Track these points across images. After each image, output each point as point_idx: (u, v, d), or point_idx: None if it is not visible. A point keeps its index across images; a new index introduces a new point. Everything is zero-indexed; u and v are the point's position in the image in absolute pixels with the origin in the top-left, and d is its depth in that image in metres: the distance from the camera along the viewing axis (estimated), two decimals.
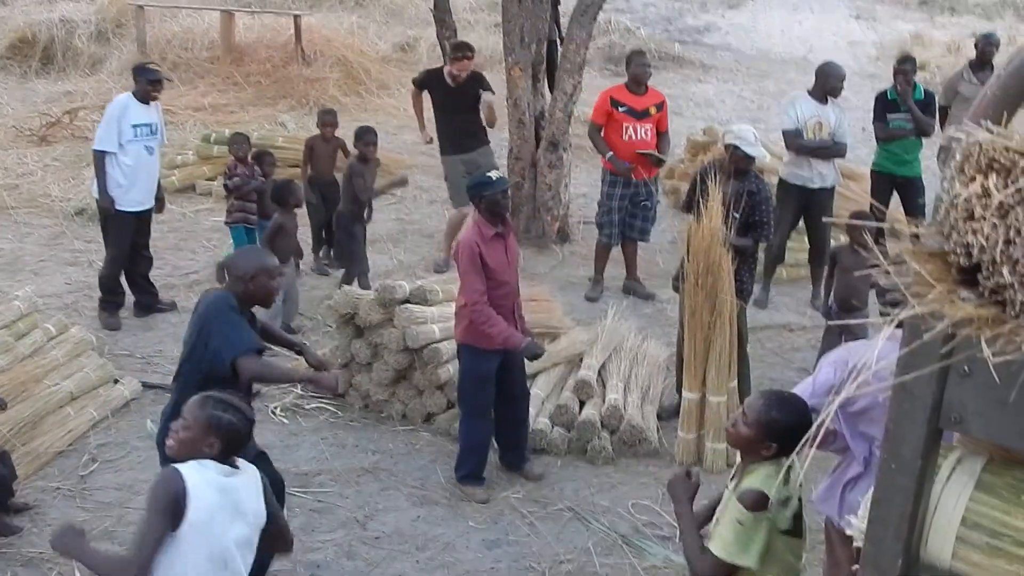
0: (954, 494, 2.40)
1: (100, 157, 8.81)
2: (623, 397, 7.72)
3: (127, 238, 9.00)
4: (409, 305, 7.74)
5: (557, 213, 11.34)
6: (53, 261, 10.52)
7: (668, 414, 7.93)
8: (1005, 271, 2.13)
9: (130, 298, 9.34)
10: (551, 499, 6.96)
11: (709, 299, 7.25)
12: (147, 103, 8.83)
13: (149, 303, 9.30)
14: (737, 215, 7.46)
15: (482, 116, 10.29)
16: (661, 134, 10.01)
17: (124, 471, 7.00)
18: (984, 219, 2.13)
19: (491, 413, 6.98)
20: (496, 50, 13.67)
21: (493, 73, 11.97)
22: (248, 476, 4.22)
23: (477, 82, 10.35)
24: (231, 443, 4.13)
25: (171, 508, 3.89)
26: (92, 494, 6.71)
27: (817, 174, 9.86)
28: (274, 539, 4.45)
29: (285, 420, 7.74)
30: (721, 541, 4.00)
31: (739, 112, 17.30)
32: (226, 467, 4.10)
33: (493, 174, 6.82)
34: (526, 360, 7.01)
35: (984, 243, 2.14)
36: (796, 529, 4.10)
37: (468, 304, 6.64)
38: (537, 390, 7.75)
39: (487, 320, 6.58)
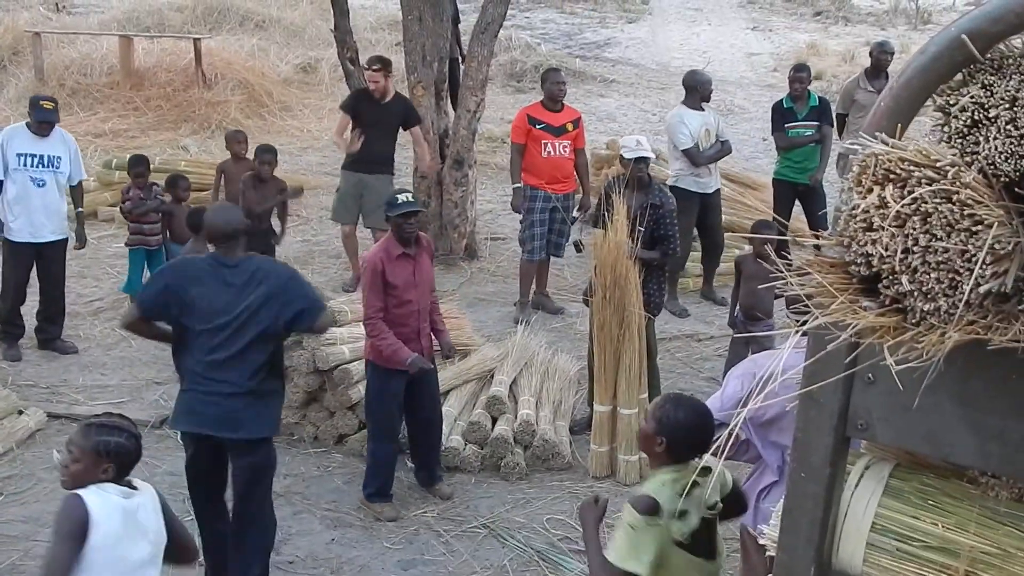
0: (863, 500, 2.45)
1: None
2: (535, 412, 7.75)
3: (19, 268, 8.87)
4: None
5: (464, 230, 11.37)
6: None
7: (580, 427, 7.96)
8: (904, 280, 2.17)
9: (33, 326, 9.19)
10: (466, 517, 6.96)
11: (617, 312, 7.31)
12: (41, 135, 8.71)
13: (51, 337, 9.13)
14: (642, 228, 7.54)
15: (416, 155, 10.40)
16: (578, 151, 10.11)
17: (31, 503, 6.86)
18: (883, 229, 2.17)
19: (397, 432, 7.02)
20: (398, 69, 13.66)
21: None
22: (147, 495, 4.25)
23: (403, 109, 10.39)
24: (123, 464, 4.19)
25: (77, 533, 3.92)
26: None
27: (714, 178, 10.30)
28: (179, 551, 4.47)
29: None
30: (614, 547, 3.99)
31: (641, 125, 17.49)
32: (124, 488, 4.15)
33: (402, 197, 6.78)
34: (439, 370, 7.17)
35: (883, 253, 2.18)
36: (705, 549, 4.12)
37: (364, 320, 6.77)
38: (449, 408, 7.75)
39: (378, 334, 6.68)
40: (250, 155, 10.21)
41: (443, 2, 11.36)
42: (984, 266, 2.08)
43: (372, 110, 10.24)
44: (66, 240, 9.06)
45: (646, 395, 7.52)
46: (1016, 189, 2.23)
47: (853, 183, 2.25)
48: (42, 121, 8.68)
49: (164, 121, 16.11)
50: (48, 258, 8.94)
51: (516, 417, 7.67)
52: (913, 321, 2.17)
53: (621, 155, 8.08)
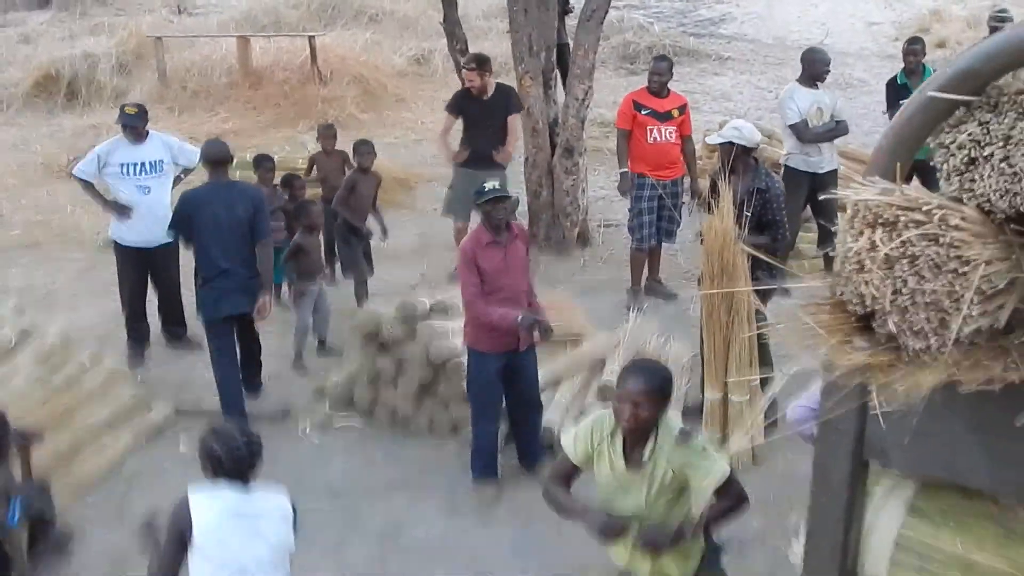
0: (887, 519, 2.49)
1: (80, 183, 9.14)
2: None
3: (134, 272, 9.14)
4: (431, 320, 7.85)
5: (576, 219, 11.43)
6: (85, 293, 10.69)
7: (692, 414, 7.97)
8: (892, 321, 2.21)
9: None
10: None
11: (725, 299, 7.30)
12: (137, 142, 8.93)
13: (177, 335, 9.44)
14: (748, 214, 7.51)
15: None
16: (685, 138, 10.10)
17: (159, 496, 7.12)
18: (873, 271, 2.22)
19: (497, 413, 7.21)
20: (509, 57, 13.77)
21: (504, 79, 12.05)
22: (272, 503, 4.47)
23: (505, 100, 10.41)
24: (221, 469, 4.42)
25: (177, 534, 4.30)
26: (131, 518, 6.81)
27: (826, 158, 10.11)
28: None
29: (316, 439, 7.93)
30: (720, 467, 4.51)
31: (757, 103, 17.31)
32: (241, 487, 4.39)
33: (488, 184, 6.93)
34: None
35: (875, 293, 2.22)
36: None
37: (464, 303, 6.94)
38: (561, 396, 7.84)
39: (484, 312, 6.80)
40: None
41: None
42: (971, 306, 2.11)
43: (475, 108, 10.34)
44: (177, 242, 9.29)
45: (758, 382, 7.49)
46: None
47: (847, 225, 2.31)
48: (126, 125, 8.88)
49: (282, 119, 16.42)
50: (161, 262, 9.15)
51: None
52: (906, 359, 2.20)
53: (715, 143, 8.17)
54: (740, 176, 7.77)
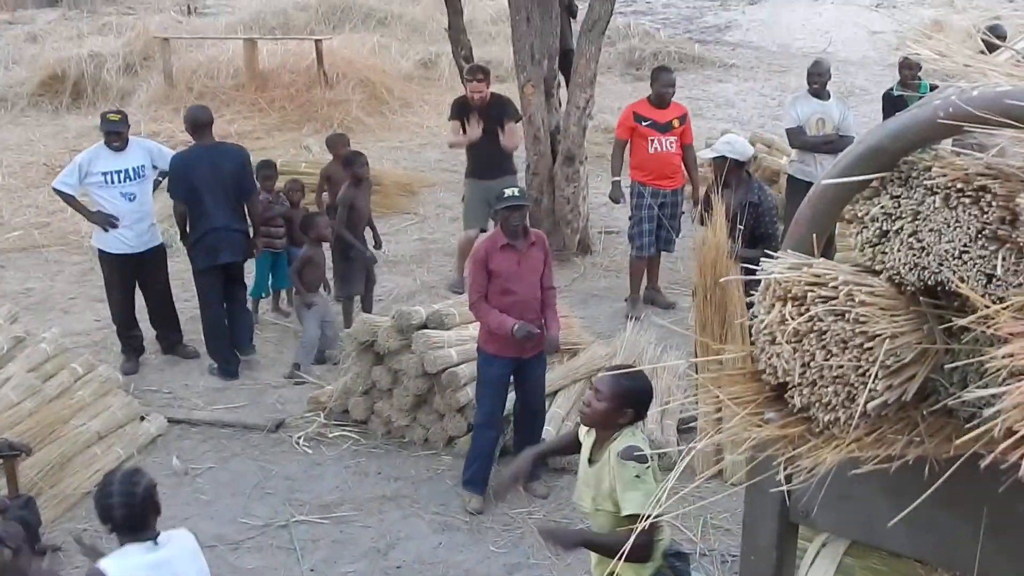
0: None
1: (61, 196, 9.01)
2: None
3: (122, 280, 9.03)
4: (426, 330, 7.82)
5: (577, 226, 11.41)
6: (82, 298, 10.64)
7: (687, 428, 7.95)
8: (797, 397, 2.26)
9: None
10: (572, 519, 6.96)
11: (719, 312, 7.28)
12: (118, 150, 8.80)
13: (172, 343, 9.38)
14: (741, 227, 7.51)
15: (501, 140, 10.33)
16: (687, 147, 10.10)
17: None
18: (783, 344, 2.27)
19: (498, 420, 7.17)
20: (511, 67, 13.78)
21: (510, 84, 12.03)
22: (178, 544, 4.31)
23: (501, 107, 10.40)
24: (115, 523, 4.25)
25: None
26: None
27: (822, 169, 9.97)
28: None
29: (308, 450, 7.86)
30: (634, 501, 4.31)
31: (760, 110, 17.27)
32: (149, 544, 4.21)
33: (508, 191, 7.01)
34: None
35: (786, 367, 2.28)
36: None
37: (470, 303, 7.05)
38: (557, 408, 7.81)
39: (483, 315, 6.94)
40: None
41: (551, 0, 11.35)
42: (876, 380, 2.14)
43: (470, 115, 10.35)
44: (163, 246, 9.17)
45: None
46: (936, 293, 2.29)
47: (759, 298, 2.39)
48: (108, 132, 8.77)
49: (287, 122, 16.42)
50: (150, 267, 9.06)
51: None
52: (817, 430, 2.24)
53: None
54: (733, 190, 7.81)
